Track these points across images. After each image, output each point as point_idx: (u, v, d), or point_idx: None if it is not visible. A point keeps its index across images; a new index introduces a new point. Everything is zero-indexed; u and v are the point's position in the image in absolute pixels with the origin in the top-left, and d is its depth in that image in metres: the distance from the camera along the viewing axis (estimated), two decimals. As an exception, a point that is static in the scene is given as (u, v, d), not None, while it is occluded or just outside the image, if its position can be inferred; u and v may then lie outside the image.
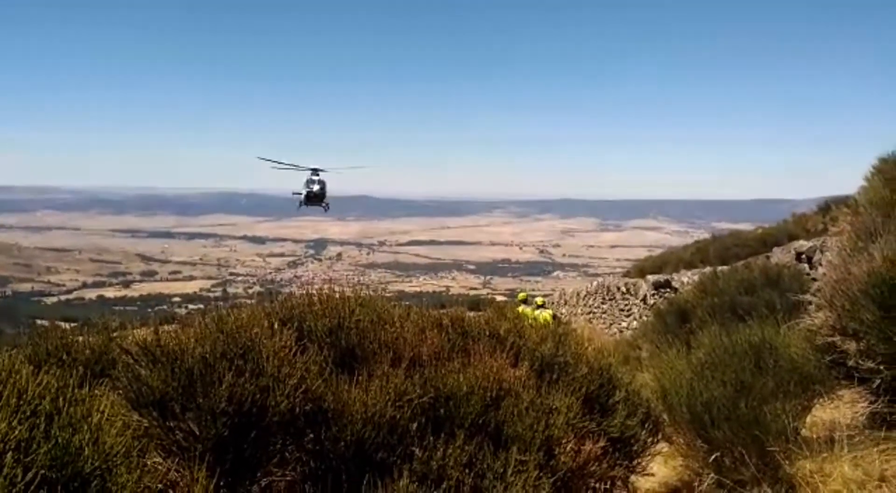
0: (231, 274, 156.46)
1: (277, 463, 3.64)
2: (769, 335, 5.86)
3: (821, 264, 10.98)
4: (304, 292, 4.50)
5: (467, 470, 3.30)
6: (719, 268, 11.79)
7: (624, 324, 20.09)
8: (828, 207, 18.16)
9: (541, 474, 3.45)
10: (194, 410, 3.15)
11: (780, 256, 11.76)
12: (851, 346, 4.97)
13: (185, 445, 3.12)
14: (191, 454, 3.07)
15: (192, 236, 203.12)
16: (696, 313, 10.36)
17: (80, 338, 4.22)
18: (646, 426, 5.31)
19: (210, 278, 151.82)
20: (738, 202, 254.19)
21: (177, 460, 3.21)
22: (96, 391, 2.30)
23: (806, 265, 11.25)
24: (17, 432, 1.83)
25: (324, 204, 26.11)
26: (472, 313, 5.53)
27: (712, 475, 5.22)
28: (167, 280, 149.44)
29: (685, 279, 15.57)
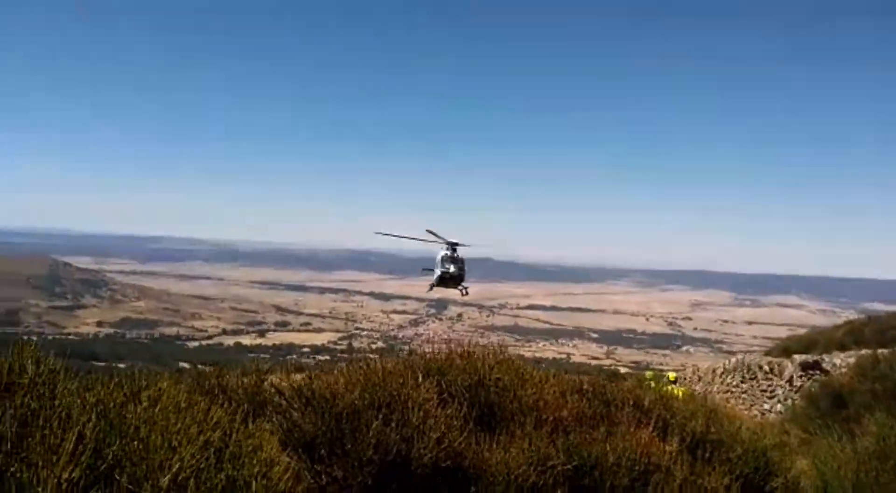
0: (356, 328, 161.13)
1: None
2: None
3: None
4: (442, 347, 4.52)
5: (613, 547, 3.11)
6: (879, 351, 10.70)
7: (766, 406, 18.58)
8: None
9: (694, 560, 3.18)
10: (341, 455, 3.20)
11: (955, 341, 10.51)
12: None
13: (330, 491, 3.16)
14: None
15: (323, 291, 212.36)
16: (853, 398, 9.44)
17: (234, 379, 4.43)
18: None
19: (337, 331, 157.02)
20: (891, 282, 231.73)
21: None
22: (266, 426, 2.38)
23: None
24: (196, 460, 1.91)
25: (461, 288, 21.17)
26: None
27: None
28: (298, 331, 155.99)
29: (837, 361, 14.25)
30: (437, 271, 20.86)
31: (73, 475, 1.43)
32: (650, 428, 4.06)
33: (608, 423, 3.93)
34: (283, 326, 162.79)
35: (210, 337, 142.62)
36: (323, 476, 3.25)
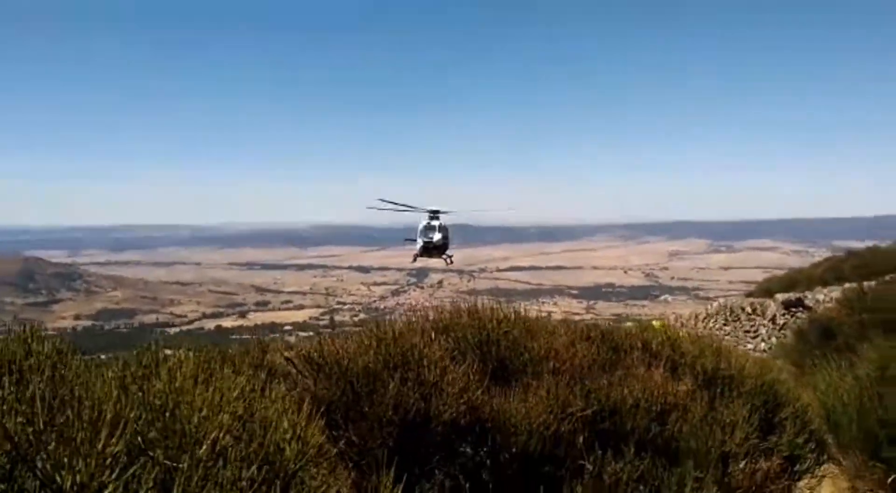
0: (338, 303, 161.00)
1: (427, 478, 3.56)
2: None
3: None
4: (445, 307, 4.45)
5: (641, 486, 3.10)
6: (865, 283, 10.89)
7: (750, 346, 18.93)
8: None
9: (718, 492, 3.19)
10: (358, 419, 3.13)
11: (936, 268, 10.74)
12: None
13: (351, 455, 3.10)
14: (359, 464, 3.05)
15: (302, 267, 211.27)
16: (842, 330, 9.62)
17: (237, 355, 4.34)
18: (808, 445, 4.89)
19: (319, 306, 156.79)
20: (859, 219, 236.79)
21: (337, 469, 3.20)
22: (294, 392, 2.30)
23: (968, 278, 10.21)
24: (229, 429, 1.83)
25: (445, 257, 20.02)
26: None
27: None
28: (279, 309, 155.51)
29: (821, 297, 14.52)
30: (420, 241, 19.79)
31: (117, 448, 1.34)
32: (660, 369, 4.06)
33: (622, 367, 3.92)
34: (263, 305, 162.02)
35: (191, 322, 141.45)
36: (341, 442, 3.19)
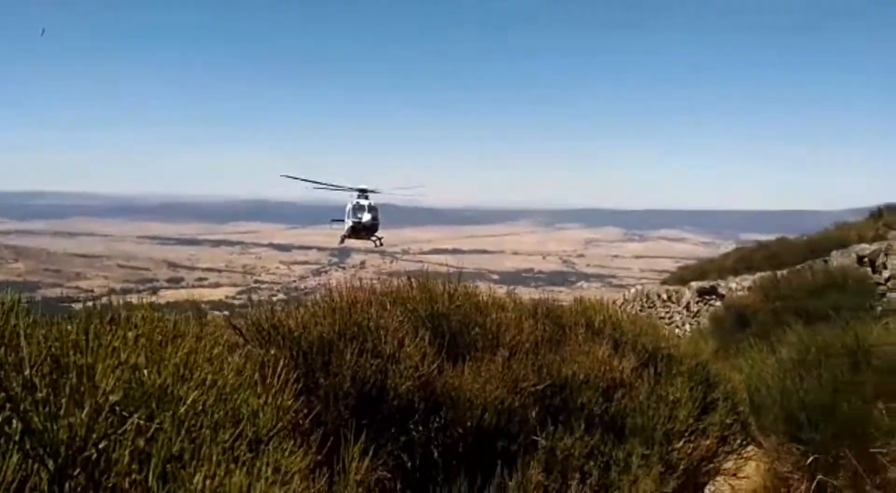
0: (256, 281, 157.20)
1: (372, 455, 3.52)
2: (862, 334, 5.64)
3: (885, 268, 10.73)
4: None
5: (591, 462, 3.17)
6: (779, 272, 11.53)
7: (664, 332, 19.75)
8: (880, 214, 18.21)
9: (664, 470, 3.31)
10: (313, 390, 3.05)
11: (841, 259, 11.49)
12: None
13: (305, 428, 3.02)
14: (313, 436, 2.97)
15: (218, 243, 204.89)
16: (756, 317, 10.15)
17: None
18: (733, 427, 5.13)
19: (235, 285, 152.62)
20: (761, 213, 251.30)
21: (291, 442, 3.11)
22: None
23: (869, 269, 10.98)
24: (203, 392, 1.73)
25: (374, 238, 19.36)
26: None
27: (808, 477, 5.02)
28: (193, 287, 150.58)
29: (733, 285, 15.28)
30: (349, 222, 19.10)
31: (113, 397, 1.23)
32: (603, 347, 4.15)
33: (567, 344, 3.98)
34: (176, 282, 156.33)
35: (98, 298, 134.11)
36: (294, 414, 3.10)
